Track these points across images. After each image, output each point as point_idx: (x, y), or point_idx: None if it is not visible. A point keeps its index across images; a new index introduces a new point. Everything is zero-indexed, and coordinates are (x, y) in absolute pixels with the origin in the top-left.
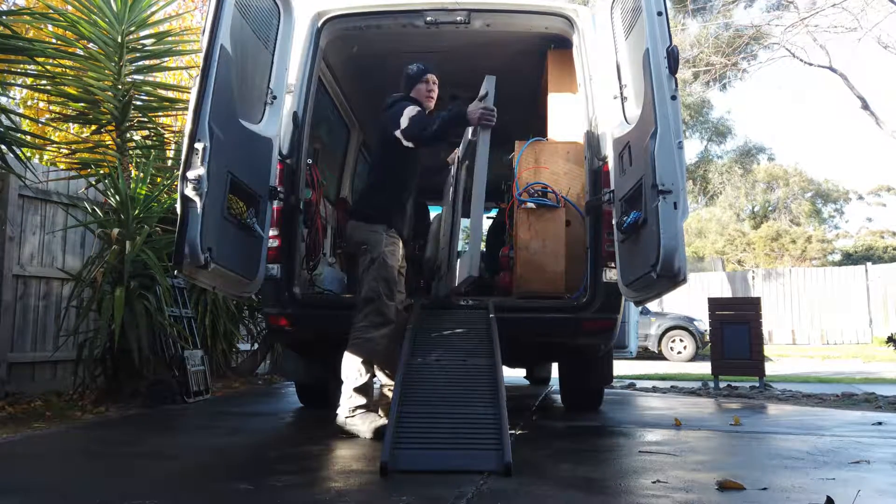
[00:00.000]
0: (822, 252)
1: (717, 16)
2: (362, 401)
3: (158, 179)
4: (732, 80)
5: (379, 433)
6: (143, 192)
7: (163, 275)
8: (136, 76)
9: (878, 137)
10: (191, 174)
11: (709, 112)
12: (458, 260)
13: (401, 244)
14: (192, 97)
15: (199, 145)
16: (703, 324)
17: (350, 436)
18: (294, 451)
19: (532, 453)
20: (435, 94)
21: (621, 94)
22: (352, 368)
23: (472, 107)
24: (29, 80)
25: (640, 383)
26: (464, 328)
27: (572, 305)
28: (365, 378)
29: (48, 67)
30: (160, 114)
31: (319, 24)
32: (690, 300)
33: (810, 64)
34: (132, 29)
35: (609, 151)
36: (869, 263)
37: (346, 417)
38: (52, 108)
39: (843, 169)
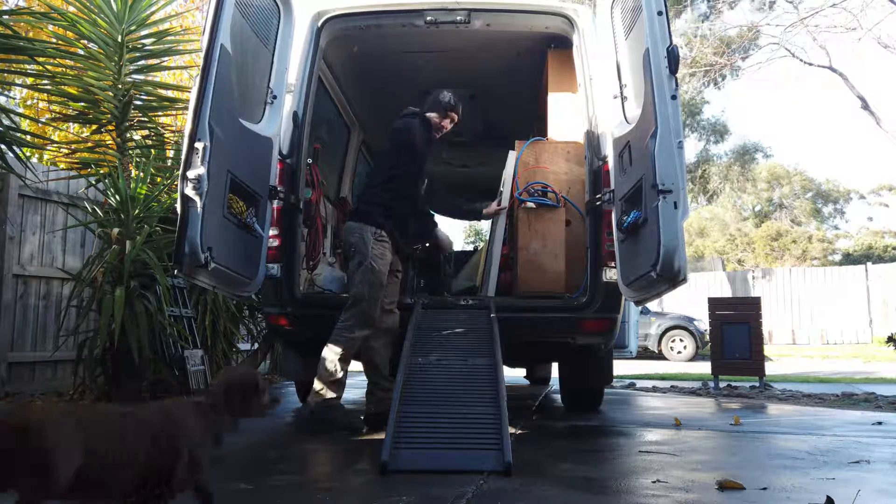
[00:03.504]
0: (822, 252)
1: (711, 19)
2: (332, 395)
3: (158, 179)
4: (729, 80)
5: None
6: (143, 192)
7: (163, 274)
8: (136, 76)
9: (878, 137)
10: (191, 174)
11: (703, 110)
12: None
13: (390, 247)
14: (192, 97)
15: (199, 145)
16: (703, 324)
17: (351, 431)
18: (294, 451)
19: (532, 453)
20: (446, 130)
21: (621, 93)
22: (329, 363)
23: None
24: (29, 80)
25: (640, 383)
26: (464, 328)
27: (572, 305)
28: (339, 375)
29: (48, 67)
30: (160, 113)
31: (319, 24)
32: (690, 300)
33: (810, 64)
34: (132, 28)
35: (609, 151)
36: (869, 263)
37: (313, 410)
38: (52, 107)
39: (844, 169)
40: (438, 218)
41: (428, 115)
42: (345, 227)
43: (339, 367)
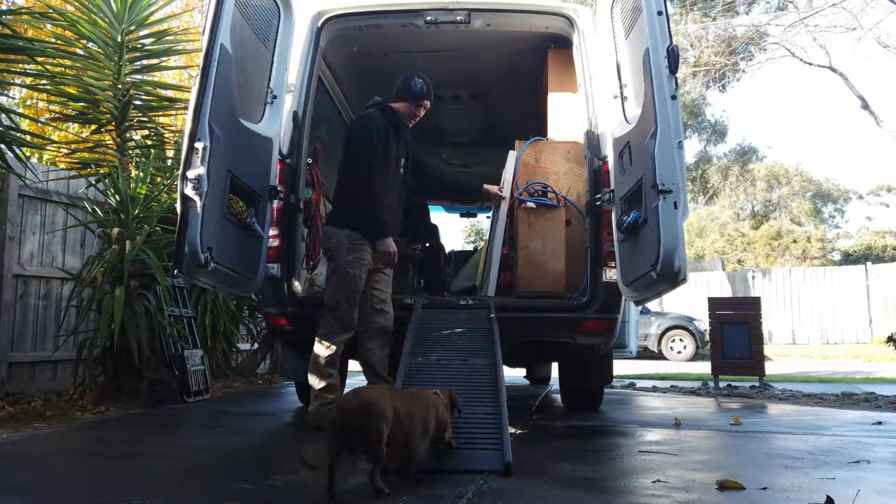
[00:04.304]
0: (822, 252)
1: (716, 16)
2: (329, 398)
3: (158, 179)
4: (731, 81)
5: None
6: (143, 192)
7: (163, 274)
8: (135, 76)
9: (878, 137)
10: (191, 174)
11: (704, 111)
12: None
13: (368, 248)
14: (192, 97)
15: (199, 145)
16: (703, 324)
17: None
18: (294, 451)
19: (532, 453)
20: (418, 120)
21: (621, 93)
22: (316, 372)
23: (386, 246)
24: (29, 80)
25: (640, 383)
26: (464, 328)
27: (572, 305)
28: (328, 380)
29: (48, 67)
30: (160, 113)
31: (319, 24)
32: (690, 300)
33: (810, 64)
34: (132, 28)
35: (609, 151)
36: (869, 263)
37: (300, 424)
38: (52, 107)
39: (843, 169)
40: (439, 217)
41: (395, 104)
42: (323, 232)
43: (329, 372)
